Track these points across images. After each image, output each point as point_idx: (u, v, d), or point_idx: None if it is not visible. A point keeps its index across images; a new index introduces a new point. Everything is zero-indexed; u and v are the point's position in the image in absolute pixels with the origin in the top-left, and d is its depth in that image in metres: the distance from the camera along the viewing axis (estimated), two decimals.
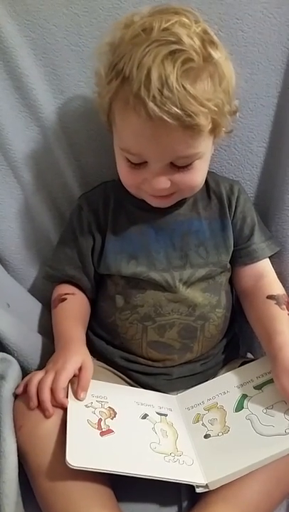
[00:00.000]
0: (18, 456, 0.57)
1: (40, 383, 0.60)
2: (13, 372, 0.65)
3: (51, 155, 0.79)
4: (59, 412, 0.59)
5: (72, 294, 0.75)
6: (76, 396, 0.61)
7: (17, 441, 0.58)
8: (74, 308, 0.75)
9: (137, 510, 0.60)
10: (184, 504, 0.61)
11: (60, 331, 0.71)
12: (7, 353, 0.67)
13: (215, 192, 0.75)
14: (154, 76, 0.55)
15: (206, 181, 0.73)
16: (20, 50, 0.73)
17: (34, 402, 0.59)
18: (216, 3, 0.73)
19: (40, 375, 0.61)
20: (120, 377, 0.73)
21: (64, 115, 0.78)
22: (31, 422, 0.59)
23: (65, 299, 0.74)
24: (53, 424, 0.58)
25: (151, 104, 0.56)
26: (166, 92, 0.55)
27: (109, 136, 0.76)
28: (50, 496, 0.55)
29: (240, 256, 0.76)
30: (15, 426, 0.59)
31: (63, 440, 0.55)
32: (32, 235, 0.81)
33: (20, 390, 0.62)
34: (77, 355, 0.64)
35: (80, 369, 0.63)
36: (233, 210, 0.75)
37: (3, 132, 0.75)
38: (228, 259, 0.75)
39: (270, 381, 0.65)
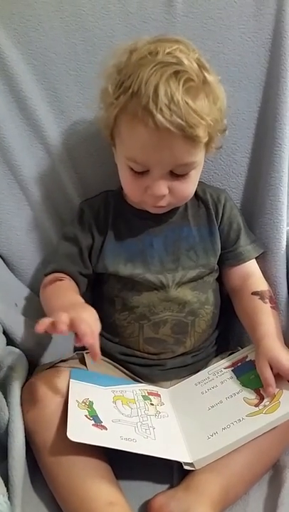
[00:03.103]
0: (26, 435, 0.64)
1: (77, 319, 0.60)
2: (21, 363, 0.71)
3: (54, 169, 0.85)
4: (61, 398, 0.65)
5: (69, 279, 0.78)
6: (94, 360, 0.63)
7: (24, 423, 0.64)
8: (73, 286, 0.77)
9: (132, 487, 0.65)
10: (175, 482, 0.66)
11: (61, 295, 0.72)
12: (15, 346, 0.73)
13: (203, 200, 0.81)
14: (162, 92, 0.62)
15: (195, 191, 0.78)
16: (24, 75, 0.80)
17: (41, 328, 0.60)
18: (199, 29, 0.80)
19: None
20: (118, 368, 0.78)
21: (64, 133, 0.84)
22: (37, 406, 0.65)
23: (63, 279, 0.77)
24: (56, 407, 0.64)
25: (158, 116, 0.62)
26: (172, 106, 0.62)
27: (106, 151, 0.82)
28: (53, 469, 0.61)
29: (228, 258, 0.82)
30: (22, 410, 0.65)
31: (65, 421, 0.61)
32: (37, 241, 0.86)
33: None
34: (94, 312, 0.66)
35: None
36: (220, 217, 0.80)
37: (9, 149, 0.81)
38: (216, 262, 0.81)
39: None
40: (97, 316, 0.65)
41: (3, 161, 0.82)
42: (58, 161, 0.85)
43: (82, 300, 0.71)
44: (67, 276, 0.78)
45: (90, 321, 0.62)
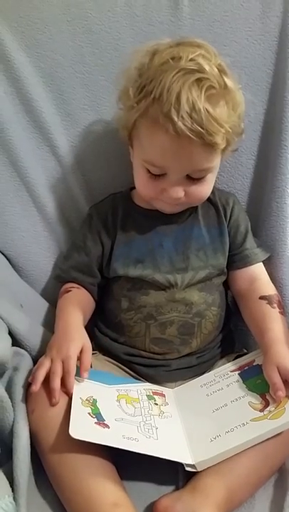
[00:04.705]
0: (30, 436, 0.63)
1: (51, 372, 0.65)
2: (26, 364, 0.71)
3: (60, 171, 0.86)
4: (66, 398, 0.65)
5: (78, 288, 0.80)
6: (81, 375, 0.67)
7: (29, 423, 0.64)
8: (76, 297, 0.79)
9: (137, 488, 0.64)
10: (181, 484, 0.65)
11: (60, 316, 0.75)
12: (20, 347, 0.73)
13: (212, 202, 0.81)
14: (183, 99, 0.63)
15: None
16: (30, 78, 0.80)
17: (37, 387, 0.64)
18: (205, 32, 0.80)
19: (47, 363, 0.66)
20: (123, 369, 0.78)
21: (71, 135, 0.85)
22: (42, 406, 0.64)
23: (70, 291, 0.80)
24: (60, 407, 0.64)
25: (180, 124, 0.63)
26: (193, 114, 0.63)
27: (112, 153, 0.83)
28: (58, 469, 0.61)
29: (234, 261, 0.82)
30: (27, 410, 0.65)
31: (69, 421, 0.61)
32: (42, 242, 0.86)
33: (32, 379, 0.66)
34: (77, 341, 0.69)
35: (80, 351, 0.68)
36: (228, 219, 0.81)
37: (16, 152, 0.81)
38: (226, 263, 0.81)
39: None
40: (86, 343, 0.69)
41: (9, 163, 0.83)
42: (64, 163, 0.85)
43: (79, 320, 0.74)
44: (76, 285, 0.80)
45: (67, 357, 0.66)
